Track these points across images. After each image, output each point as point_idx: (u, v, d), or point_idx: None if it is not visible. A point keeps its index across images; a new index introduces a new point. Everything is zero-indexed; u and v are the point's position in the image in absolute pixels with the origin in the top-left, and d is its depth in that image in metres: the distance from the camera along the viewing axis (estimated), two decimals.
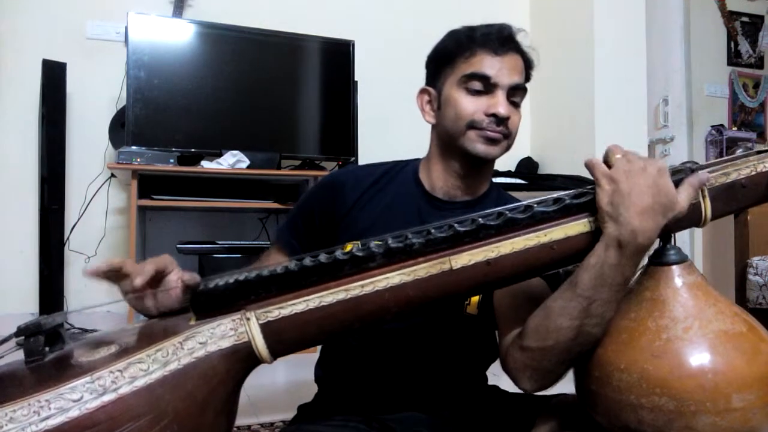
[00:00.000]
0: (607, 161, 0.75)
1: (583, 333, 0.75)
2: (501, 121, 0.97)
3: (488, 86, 0.98)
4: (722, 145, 4.08)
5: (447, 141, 1.02)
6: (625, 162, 0.73)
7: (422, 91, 1.08)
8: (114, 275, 0.80)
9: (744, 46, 4.41)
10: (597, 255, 0.73)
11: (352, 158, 2.96)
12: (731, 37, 4.39)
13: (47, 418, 0.61)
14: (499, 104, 0.97)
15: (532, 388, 0.82)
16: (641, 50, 3.26)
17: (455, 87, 1.00)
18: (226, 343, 0.70)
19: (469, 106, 0.98)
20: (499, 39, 0.98)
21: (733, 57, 4.41)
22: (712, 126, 4.17)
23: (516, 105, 1.01)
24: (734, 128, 4.29)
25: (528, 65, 1.03)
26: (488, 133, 0.97)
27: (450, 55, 1.02)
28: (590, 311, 0.74)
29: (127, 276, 0.80)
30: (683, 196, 0.73)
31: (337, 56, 2.97)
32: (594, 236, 0.74)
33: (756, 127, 4.46)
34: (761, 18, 4.46)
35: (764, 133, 4.51)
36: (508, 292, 0.92)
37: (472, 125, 0.98)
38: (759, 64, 4.49)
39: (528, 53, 1.03)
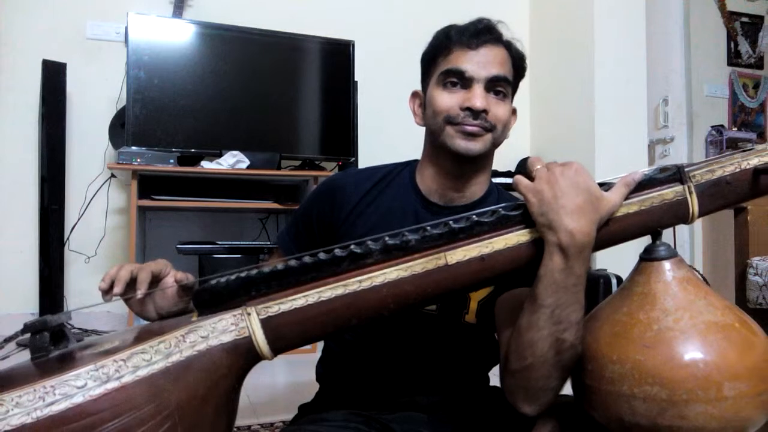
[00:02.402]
0: (530, 174, 0.77)
1: (556, 342, 0.75)
2: (477, 114, 0.95)
3: (464, 81, 0.96)
4: (722, 145, 4.08)
5: (433, 140, 1.01)
6: (544, 171, 0.75)
7: (413, 95, 1.08)
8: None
9: (744, 47, 4.42)
10: (544, 264, 0.74)
11: (352, 158, 2.97)
12: (731, 37, 4.40)
13: (52, 403, 0.62)
14: (475, 97, 0.94)
15: (531, 410, 0.82)
16: (641, 50, 3.27)
17: (435, 85, 0.99)
18: (227, 338, 0.71)
19: (446, 101, 0.97)
20: (474, 32, 0.97)
21: (733, 57, 4.41)
22: (712, 126, 4.18)
23: (503, 96, 0.99)
24: (734, 128, 4.30)
25: (514, 55, 1.01)
26: (465, 127, 0.95)
27: (432, 56, 1.01)
28: (555, 318, 0.75)
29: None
30: (615, 194, 0.75)
31: (337, 56, 2.98)
32: None
33: (756, 128, 4.47)
34: (761, 18, 4.47)
35: (764, 133, 4.51)
36: (507, 306, 0.92)
37: (449, 120, 0.96)
38: (759, 65, 4.49)
39: (512, 44, 1.01)
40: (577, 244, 0.72)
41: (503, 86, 0.98)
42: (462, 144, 0.96)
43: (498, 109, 0.97)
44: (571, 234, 0.72)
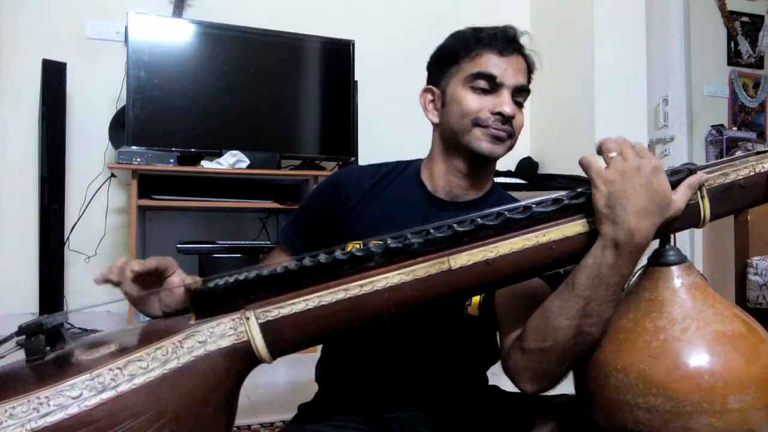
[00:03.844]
0: (600, 154, 0.75)
1: (581, 333, 0.75)
2: (506, 120, 0.98)
3: (494, 86, 0.99)
4: (722, 145, 4.08)
5: (451, 139, 1.03)
6: (620, 161, 0.73)
7: (425, 90, 1.08)
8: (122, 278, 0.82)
9: (744, 46, 4.41)
10: (594, 255, 0.73)
11: (352, 158, 2.97)
12: (731, 37, 4.39)
13: (46, 414, 0.61)
14: (505, 103, 0.98)
15: (533, 389, 0.82)
16: (641, 50, 3.27)
17: (461, 85, 1.01)
18: (225, 342, 0.70)
19: (475, 103, 0.99)
20: (505, 40, 1.00)
21: (733, 57, 4.41)
22: (712, 126, 4.18)
23: (520, 105, 1.02)
24: (734, 128, 4.29)
25: (530, 68, 1.05)
26: (493, 131, 0.98)
27: (455, 55, 1.03)
28: (588, 311, 0.74)
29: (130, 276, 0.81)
30: (680, 196, 0.73)
31: (337, 56, 2.98)
32: (591, 237, 0.74)
33: (756, 127, 4.46)
34: (761, 18, 4.47)
35: (764, 133, 4.51)
36: (508, 294, 0.92)
37: (478, 123, 0.98)
38: (759, 64, 4.49)
39: (530, 56, 1.04)
40: (634, 244, 0.71)
41: (524, 96, 1.02)
42: (488, 147, 0.99)
43: (519, 117, 1.01)
44: (631, 233, 0.70)
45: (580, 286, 0.74)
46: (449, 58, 1.04)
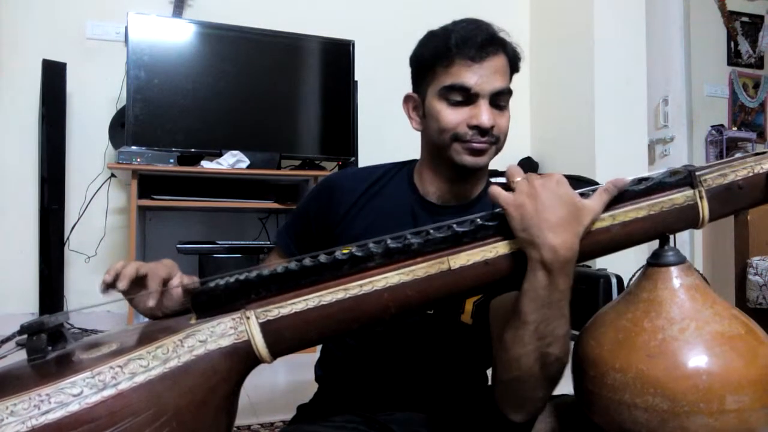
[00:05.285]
0: (509, 185, 0.76)
1: (542, 356, 0.75)
2: (485, 132, 0.94)
3: (469, 96, 0.94)
4: (722, 145, 4.09)
5: (434, 151, 1.01)
6: (525, 184, 0.74)
7: (407, 98, 1.05)
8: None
9: (744, 46, 4.42)
10: (528, 280, 0.73)
11: (352, 158, 2.97)
12: (731, 37, 4.40)
13: (47, 412, 0.61)
14: (482, 114, 0.93)
15: (520, 418, 0.82)
16: (641, 50, 3.27)
17: (436, 98, 0.97)
18: (225, 342, 0.71)
19: (452, 118, 0.95)
20: (476, 45, 0.93)
21: (733, 57, 4.42)
22: (712, 126, 4.18)
23: (501, 108, 0.97)
24: (734, 128, 4.30)
25: (511, 57, 0.99)
26: (473, 145, 0.95)
27: (429, 63, 0.98)
28: (540, 333, 0.74)
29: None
30: (595, 201, 0.74)
31: (337, 56, 2.98)
32: (588, 237, 0.74)
33: (756, 127, 4.47)
34: (761, 18, 4.47)
35: (764, 133, 4.51)
36: (500, 312, 0.92)
37: (456, 138, 0.95)
38: (759, 64, 4.50)
39: (510, 48, 0.98)
40: (560, 259, 0.71)
41: (505, 98, 0.97)
42: (470, 160, 0.96)
43: (501, 121, 0.97)
44: (554, 250, 0.71)
45: (525, 313, 0.74)
46: (424, 65, 1.00)
